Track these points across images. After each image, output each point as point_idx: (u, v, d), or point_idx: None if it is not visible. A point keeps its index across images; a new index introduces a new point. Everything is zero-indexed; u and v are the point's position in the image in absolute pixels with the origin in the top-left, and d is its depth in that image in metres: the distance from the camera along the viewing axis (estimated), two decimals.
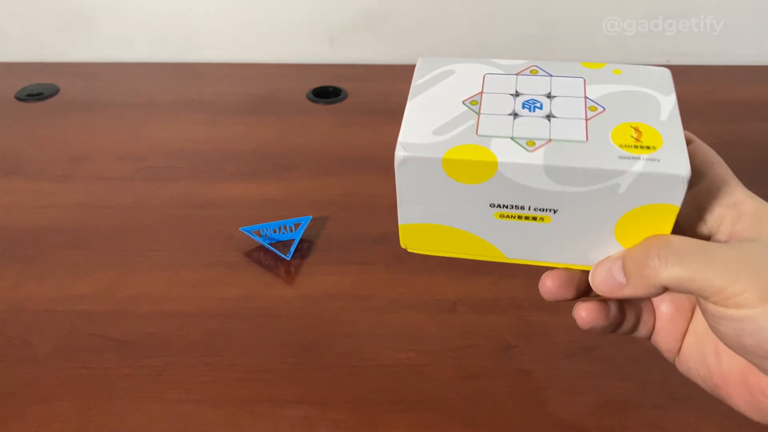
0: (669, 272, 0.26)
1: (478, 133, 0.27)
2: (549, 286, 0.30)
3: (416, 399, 0.49)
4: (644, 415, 0.47)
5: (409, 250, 0.31)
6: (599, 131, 0.27)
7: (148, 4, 0.91)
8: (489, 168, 0.26)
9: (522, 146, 0.26)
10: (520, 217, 0.28)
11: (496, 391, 0.49)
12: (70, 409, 0.48)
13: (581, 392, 0.49)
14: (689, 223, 0.28)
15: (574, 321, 0.32)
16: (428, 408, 0.48)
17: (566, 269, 0.30)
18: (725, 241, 0.27)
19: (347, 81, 0.88)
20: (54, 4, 0.91)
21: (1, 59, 0.94)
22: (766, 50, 0.95)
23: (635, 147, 0.26)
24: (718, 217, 0.28)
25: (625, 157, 0.26)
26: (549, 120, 0.27)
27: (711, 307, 0.26)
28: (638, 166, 0.25)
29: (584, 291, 0.31)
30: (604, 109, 0.28)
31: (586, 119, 0.27)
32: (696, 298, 0.27)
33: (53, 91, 0.86)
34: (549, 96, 0.29)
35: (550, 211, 0.27)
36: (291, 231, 0.62)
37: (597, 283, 0.28)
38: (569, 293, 0.30)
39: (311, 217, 0.63)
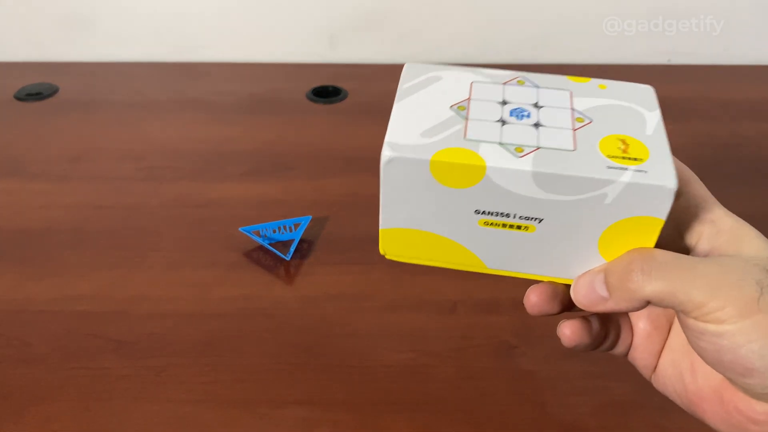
0: (652, 286, 0.26)
1: (466, 137, 0.27)
2: (533, 301, 0.30)
3: (416, 399, 0.49)
4: (645, 415, 0.47)
5: (387, 257, 0.30)
6: (587, 141, 0.27)
7: (147, 4, 0.91)
8: (477, 172, 0.26)
9: (510, 152, 0.26)
10: (504, 225, 0.28)
11: (496, 392, 0.49)
12: (70, 410, 0.48)
13: (582, 393, 0.49)
14: (667, 239, 0.28)
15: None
16: (428, 408, 0.48)
17: (550, 283, 0.30)
18: (704, 257, 0.27)
19: (347, 81, 0.88)
20: (53, 4, 0.91)
21: (0, 59, 0.94)
22: (767, 50, 0.95)
23: (623, 158, 0.26)
24: (696, 234, 0.28)
25: (613, 167, 0.26)
26: (537, 128, 0.27)
27: (691, 322, 0.26)
28: (626, 176, 0.25)
29: (568, 305, 0.31)
30: (591, 120, 0.28)
31: (574, 129, 0.27)
32: (676, 313, 0.27)
33: (52, 91, 0.86)
34: (536, 106, 0.29)
35: (535, 220, 0.27)
36: (291, 231, 0.62)
37: (579, 296, 0.28)
38: (554, 307, 0.30)
39: (311, 217, 0.63)
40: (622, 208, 0.26)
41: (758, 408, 0.27)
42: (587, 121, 0.28)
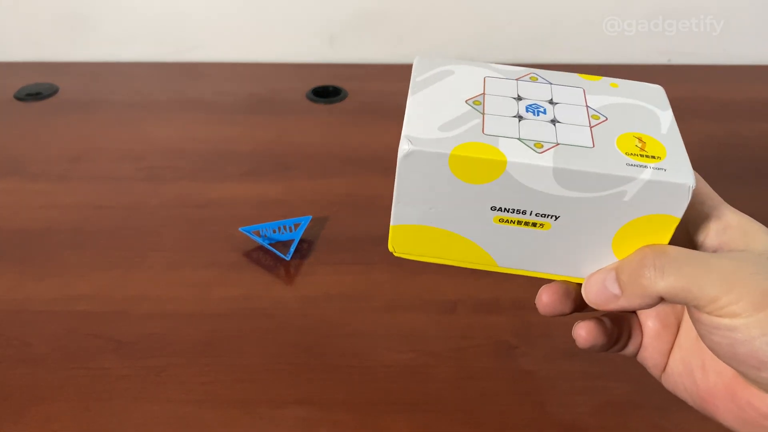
0: (665, 282, 0.25)
1: (485, 132, 0.27)
2: (545, 301, 0.30)
3: (416, 400, 0.49)
4: (645, 415, 0.47)
5: (396, 254, 0.30)
6: (604, 139, 0.27)
7: (147, 4, 0.91)
8: (497, 167, 0.26)
9: (530, 147, 0.26)
10: (519, 223, 0.27)
11: (496, 392, 0.49)
12: (70, 410, 0.48)
13: (582, 393, 0.49)
14: (675, 237, 0.28)
15: (574, 321, 0.32)
16: (428, 409, 0.48)
17: (562, 283, 0.30)
18: (714, 252, 0.28)
19: (347, 81, 0.88)
20: (53, 3, 0.91)
21: (0, 59, 0.94)
22: (767, 50, 0.95)
23: (641, 156, 0.26)
24: (704, 231, 0.28)
25: (632, 165, 0.26)
26: (554, 125, 0.27)
27: (704, 317, 0.26)
28: (646, 174, 0.25)
29: (580, 305, 0.31)
30: (606, 118, 0.28)
31: (590, 126, 0.27)
32: (688, 309, 0.27)
33: (52, 91, 0.86)
34: (551, 102, 0.29)
35: (551, 217, 0.27)
36: (291, 231, 0.62)
37: (591, 295, 0.28)
38: (566, 307, 0.30)
39: (311, 217, 0.63)
40: (640, 205, 0.26)
41: None
42: (603, 119, 0.28)
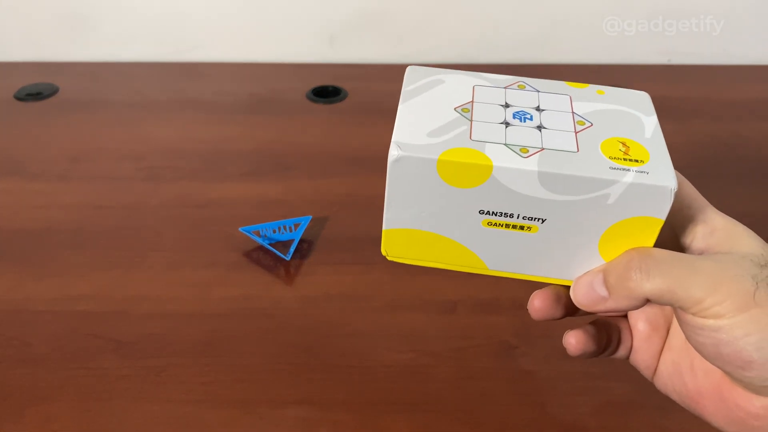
0: (651, 284, 0.26)
1: (472, 138, 0.27)
2: (537, 306, 0.31)
3: (416, 400, 0.49)
4: (645, 415, 0.47)
5: (389, 257, 0.30)
6: (589, 143, 0.27)
7: (147, 4, 0.91)
8: (483, 171, 0.27)
9: (516, 152, 0.27)
10: (507, 226, 0.28)
11: (496, 392, 0.49)
12: (69, 410, 0.48)
13: (582, 393, 0.49)
14: (662, 240, 0.28)
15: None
16: (428, 409, 0.48)
17: (553, 288, 0.31)
18: (700, 255, 0.28)
19: (347, 81, 0.88)
20: (53, 3, 0.91)
21: (0, 59, 0.94)
22: (767, 50, 0.95)
23: (624, 159, 0.27)
24: (691, 234, 0.28)
25: (615, 168, 0.26)
26: (540, 131, 0.28)
27: (689, 318, 0.26)
28: (629, 177, 0.26)
29: (572, 310, 0.31)
30: (591, 124, 0.29)
31: (575, 132, 0.28)
32: (674, 311, 0.28)
33: (52, 91, 0.86)
34: (538, 109, 0.29)
35: (538, 220, 0.28)
36: (291, 231, 0.62)
37: (579, 296, 0.29)
38: (557, 312, 0.31)
39: (311, 217, 0.63)
40: (623, 208, 0.27)
41: (758, 403, 0.27)
42: (588, 124, 0.29)
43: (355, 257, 0.61)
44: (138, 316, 0.55)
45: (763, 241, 0.27)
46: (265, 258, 0.60)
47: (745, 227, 0.28)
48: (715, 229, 0.28)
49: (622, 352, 0.32)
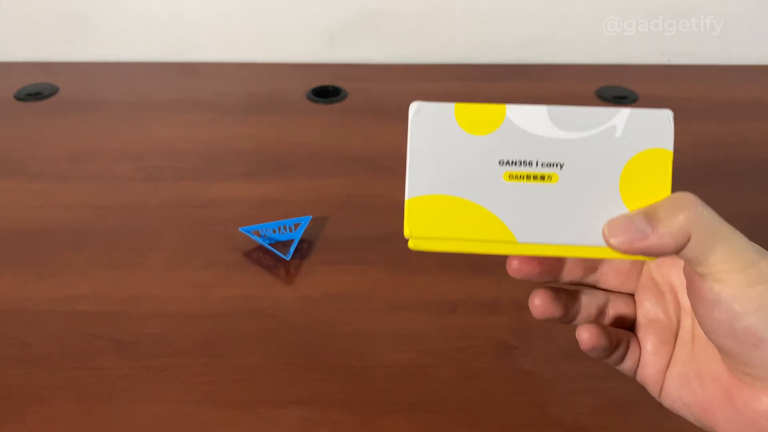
0: (703, 219, 0.26)
1: None
2: (537, 304, 0.32)
3: (416, 400, 0.49)
4: (645, 415, 0.47)
5: (411, 241, 0.30)
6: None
7: (147, 4, 0.91)
8: (498, 113, 0.29)
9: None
10: (528, 177, 0.29)
11: (496, 392, 0.49)
12: (69, 410, 0.48)
13: (582, 393, 0.49)
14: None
15: (574, 323, 0.32)
16: (428, 409, 0.48)
17: (550, 289, 0.31)
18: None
19: (347, 81, 0.88)
20: (53, 3, 0.91)
21: (0, 59, 0.94)
22: (767, 50, 0.95)
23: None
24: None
25: (614, 105, 0.29)
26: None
27: (707, 291, 0.27)
28: (627, 109, 0.29)
29: (572, 311, 0.32)
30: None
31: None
32: (691, 286, 0.28)
33: (52, 91, 0.86)
34: None
35: (556, 166, 0.29)
36: (291, 231, 0.62)
37: (617, 232, 0.28)
38: (557, 311, 0.32)
39: (311, 217, 0.63)
40: (631, 142, 0.28)
41: (767, 399, 0.27)
42: None
43: (355, 257, 0.61)
44: (138, 316, 0.55)
45: None
46: (265, 258, 0.60)
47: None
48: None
49: (629, 363, 0.33)
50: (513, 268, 0.31)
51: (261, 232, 0.61)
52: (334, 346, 0.53)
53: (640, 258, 0.28)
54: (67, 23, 0.92)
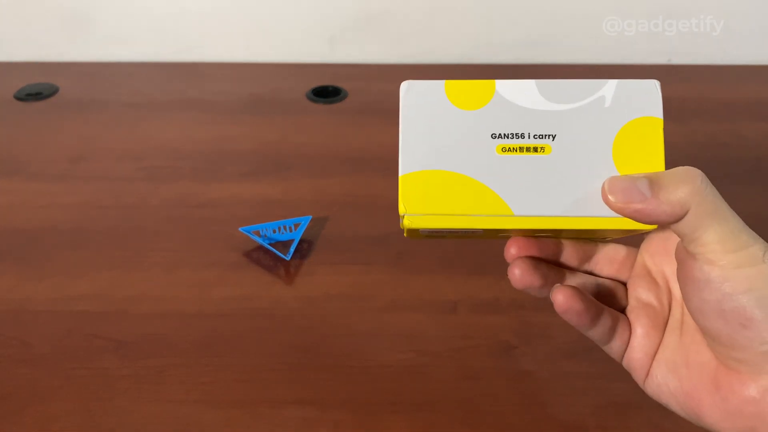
0: (701, 197, 0.26)
1: None
2: (516, 274, 0.31)
3: (416, 400, 0.49)
4: (645, 415, 0.47)
5: (406, 218, 0.29)
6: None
7: (147, 4, 0.91)
8: (488, 88, 0.29)
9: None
10: (521, 149, 0.29)
11: (496, 392, 0.49)
12: (69, 410, 0.48)
13: (582, 393, 0.49)
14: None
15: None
16: (428, 409, 0.48)
17: (530, 258, 0.31)
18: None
19: (347, 81, 0.88)
20: (53, 3, 0.91)
21: (0, 59, 0.94)
22: (766, 50, 0.95)
23: None
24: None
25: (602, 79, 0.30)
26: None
27: (697, 270, 0.27)
28: (615, 80, 0.29)
29: (551, 279, 0.32)
30: None
31: None
32: (684, 261, 0.28)
33: (52, 91, 0.86)
34: None
35: (549, 137, 0.29)
36: (291, 231, 0.62)
37: (616, 189, 0.28)
38: (536, 280, 0.31)
39: (311, 217, 0.63)
40: (621, 111, 0.29)
41: (753, 385, 0.27)
42: None
43: (355, 257, 0.61)
44: (138, 316, 0.55)
45: None
46: (265, 258, 0.60)
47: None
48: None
49: (618, 343, 0.32)
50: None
51: (261, 232, 0.61)
52: (334, 346, 0.53)
53: (635, 227, 0.29)
54: (67, 23, 0.92)
